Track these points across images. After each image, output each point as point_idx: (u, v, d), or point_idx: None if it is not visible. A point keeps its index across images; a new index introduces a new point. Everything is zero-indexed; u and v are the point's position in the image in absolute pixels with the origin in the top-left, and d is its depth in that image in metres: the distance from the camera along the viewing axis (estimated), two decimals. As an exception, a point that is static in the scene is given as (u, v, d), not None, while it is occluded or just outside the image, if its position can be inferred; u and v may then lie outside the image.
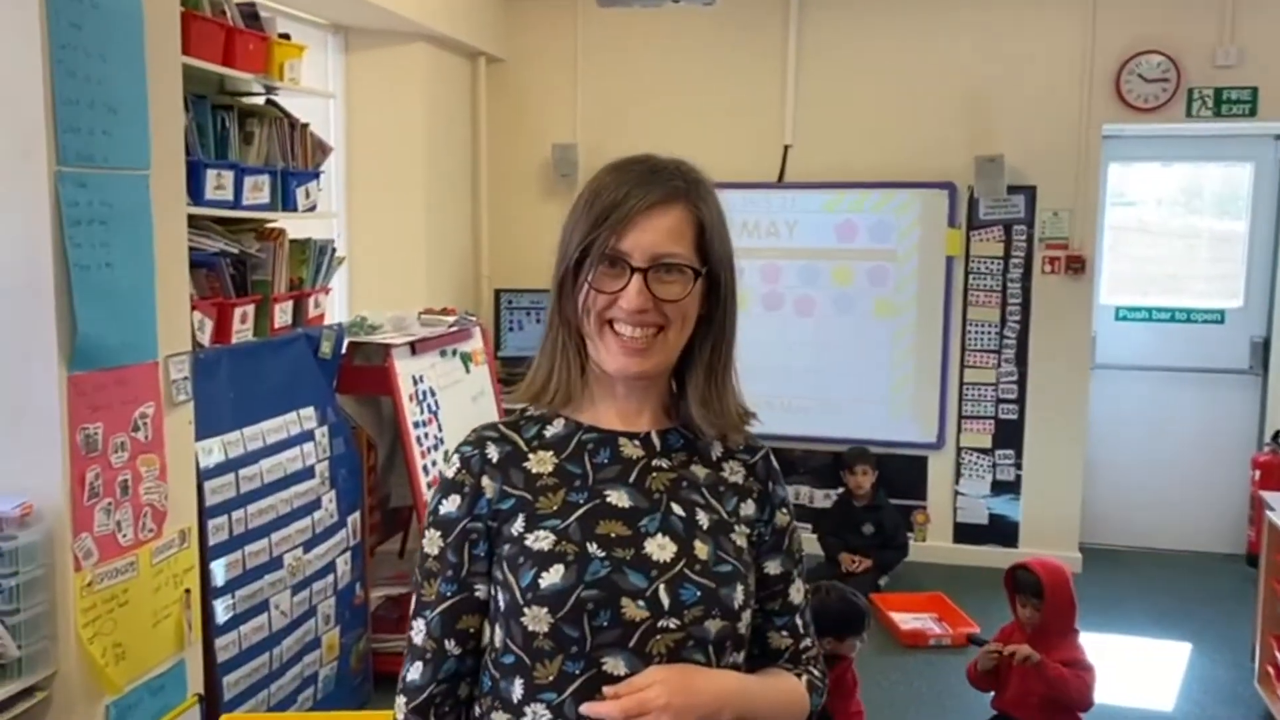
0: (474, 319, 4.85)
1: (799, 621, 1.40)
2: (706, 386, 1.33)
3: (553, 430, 1.34)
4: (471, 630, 1.30)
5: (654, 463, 1.33)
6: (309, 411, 3.47)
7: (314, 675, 3.46)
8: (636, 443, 1.33)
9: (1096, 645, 4.34)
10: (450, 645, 1.29)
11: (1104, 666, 4.08)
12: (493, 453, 1.32)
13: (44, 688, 2.35)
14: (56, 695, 2.37)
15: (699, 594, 1.25)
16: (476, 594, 1.29)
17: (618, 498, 1.29)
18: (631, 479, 1.31)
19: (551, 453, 1.32)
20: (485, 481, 1.30)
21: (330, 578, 3.54)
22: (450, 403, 4.30)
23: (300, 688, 3.38)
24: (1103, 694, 3.82)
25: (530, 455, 1.32)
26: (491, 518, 1.29)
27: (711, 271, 1.32)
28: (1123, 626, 4.71)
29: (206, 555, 2.92)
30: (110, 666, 2.46)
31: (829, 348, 5.54)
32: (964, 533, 5.54)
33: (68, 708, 2.38)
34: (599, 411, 1.34)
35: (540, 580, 1.23)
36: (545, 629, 1.22)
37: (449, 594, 1.29)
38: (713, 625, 1.25)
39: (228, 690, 3.00)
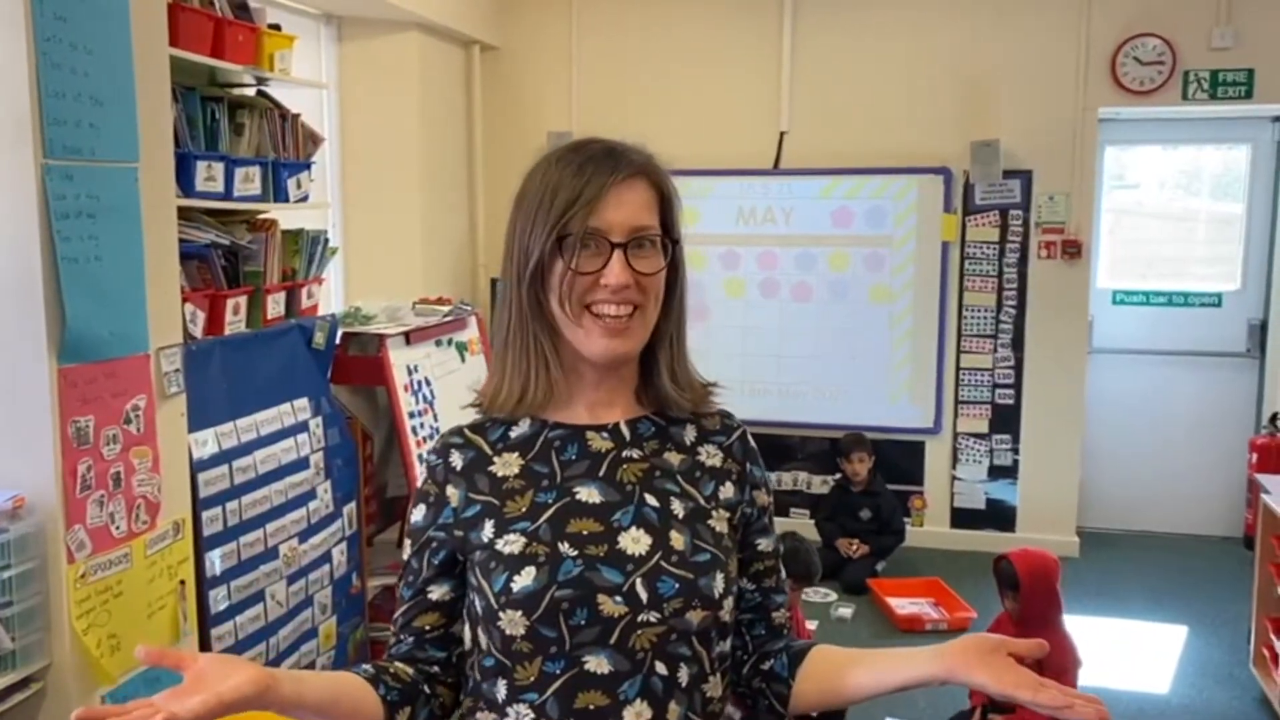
0: (470, 308, 4.85)
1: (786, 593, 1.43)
2: (673, 360, 1.33)
3: (518, 431, 1.33)
4: (427, 627, 1.33)
5: (624, 454, 1.31)
6: (303, 402, 3.47)
7: (311, 664, 3.47)
8: (605, 435, 1.32)
9: (1093, 628, 4.38)
10: (404, 636, 1.34)
11: (1101, 649, 4.12)
12: (456, 460, 1.32)
13: (39, 679, 2.36)
14: (51, 687, 2.38)
15: (677, 586, 1.23)
16: (429, 596, 1.32)
17: (588, 494, 1.28)
18: (602, 473, 1.30)
19: (517, 454, 1.31)
20: (450, 490, 1.31)
21: (326, 567, 3.54)
22: (446, 392, 4.30)
23: (297, 677, 3.39)
24: (1099, 677, 3.85)
25: (495, 459, 1.31)
26: (457, 526, 1.30)
27: (676, 244, 1.31)
28: (1120, 609, 4.72)
29: (201, 546, 2.93)
30: (105, 658, 2.47)
31: (826, 334, 5.54)
32: (961, 518, 5.55)
33: (63, 699, 2.39)
34: (569, 407, 1.33)
35: (512, 584, 1.22)
36: (522, 631, 1.22)
37: (407, 597, 1.34)
38: (694, 616, 1.24)
39: (224, 680, 3.01)
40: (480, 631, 1.27)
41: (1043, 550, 3.49)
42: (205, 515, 2.96)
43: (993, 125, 5.28)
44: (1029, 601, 3.31)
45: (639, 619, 1.22)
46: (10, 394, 2.32)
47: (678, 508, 1.29)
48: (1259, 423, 5.56)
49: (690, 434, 1.36)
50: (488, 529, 1.27)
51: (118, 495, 2.52)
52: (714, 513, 1.31)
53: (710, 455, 1.35)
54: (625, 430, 1.33)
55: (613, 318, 1.24)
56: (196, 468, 2.92)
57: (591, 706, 1.21)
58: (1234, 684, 4.02)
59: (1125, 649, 4.36)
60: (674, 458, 1.33)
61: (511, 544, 1.25)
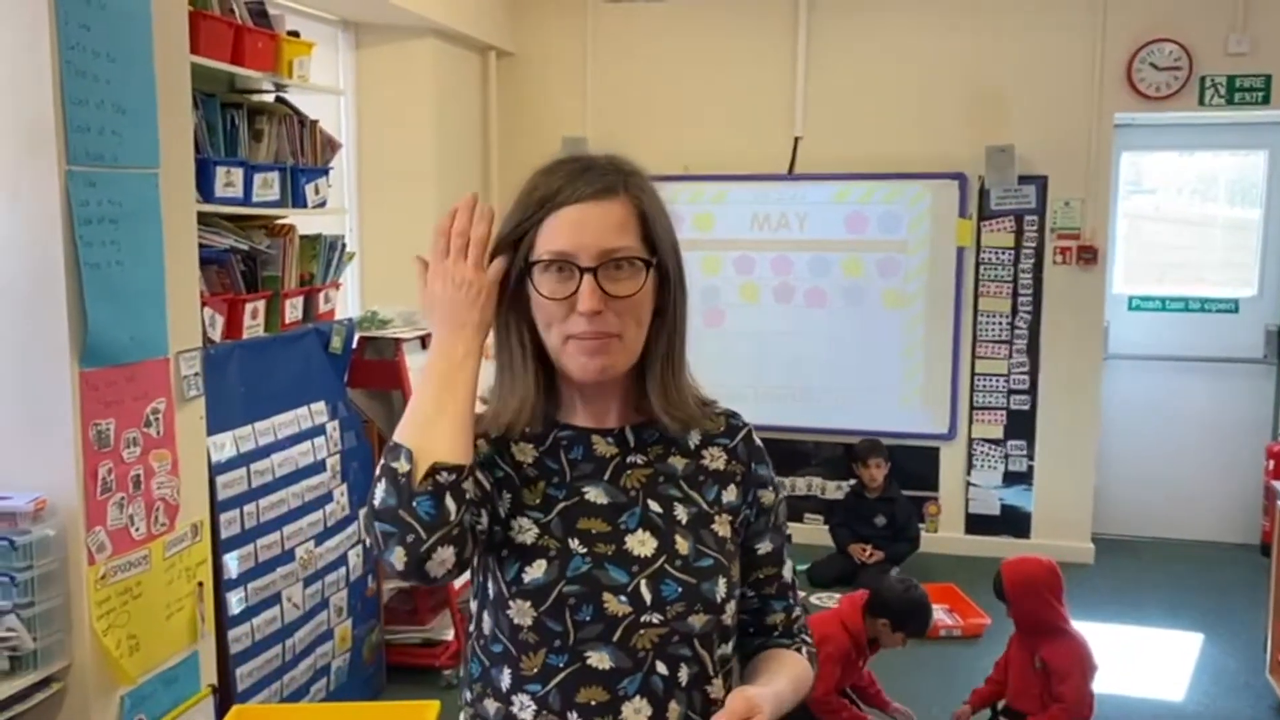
0: (485, 313, 4.86)
1: (792, 595, 1.42)
2: (665, 379, 1.31)
3: (531, 429, 1.34)
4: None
5: (629, 459, 1.33)
6: (320, 406, 3.50)
7: (327, 667, 3.49)
8: (610, 440, 1.33)
9: (1108, 635, 4.36)
10: None
11: (1116, 656, 4.10)
12: (490, 431, 1.32)
13: (59, 679, 2.39)
14: (72, 686, 2.41)
15: (680, 590, 1.26)
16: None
17: (595, 495, 1.30)
18: (607, 476, 1.31)
19: (532, 446, 1.33)
20: (480, 443, 1.29)
21: (342, 570, 3.57)
22: (461, 396, 4.32)
23: (313, 679, 3.41)
24: (1114, 684, 3.84)
25: (514, 445, 1.33)
26: (481, 470, 1.27)
27: (660, 262, 1.28)
28: (1135, 617, 4.70)
29: (219, 549, 2.96)
30: (124, 658, 2.50)
31: (840, 339, 5.54)
32: (976, 523, 5.54)
33: (83, 699, 2.42)
34: (573, 410, 1.35)
35: (524, 574, 1.25)
36: (529, 622, 1.24)
37: None
38: (696, 620, 1.26)
39: (241, 682, 3.04)
40: (488, 616, 1.30)
41: (1036, 558, 3.44)
42: (223, 518, 2.98)
43: (1008, 130, 5.27)
44: (1017, 609, 3.32)
45: (642, 619, 1.24)
46: (32, 397, 2.35)
47: (681, 513, 1.31)
48: (1276, 429, 5.53)
49: (694, 437, 1.37)
50: (504, 503, 1.28)
51: (137, 498, 2.55)
52: (717, 517, 1.33)
53: (714, 458, 1.36)
54: (630, 436, 1.34)
55: (591, 340, 1.24)
56: (215, 470, 2.95)
57: (593, 701, 1.24)
58: (1250, 692, 3.99)
59: (1140, 656, 4.34)
60: (678, 462, 1.35)
61: (525, 534, 1.27)
